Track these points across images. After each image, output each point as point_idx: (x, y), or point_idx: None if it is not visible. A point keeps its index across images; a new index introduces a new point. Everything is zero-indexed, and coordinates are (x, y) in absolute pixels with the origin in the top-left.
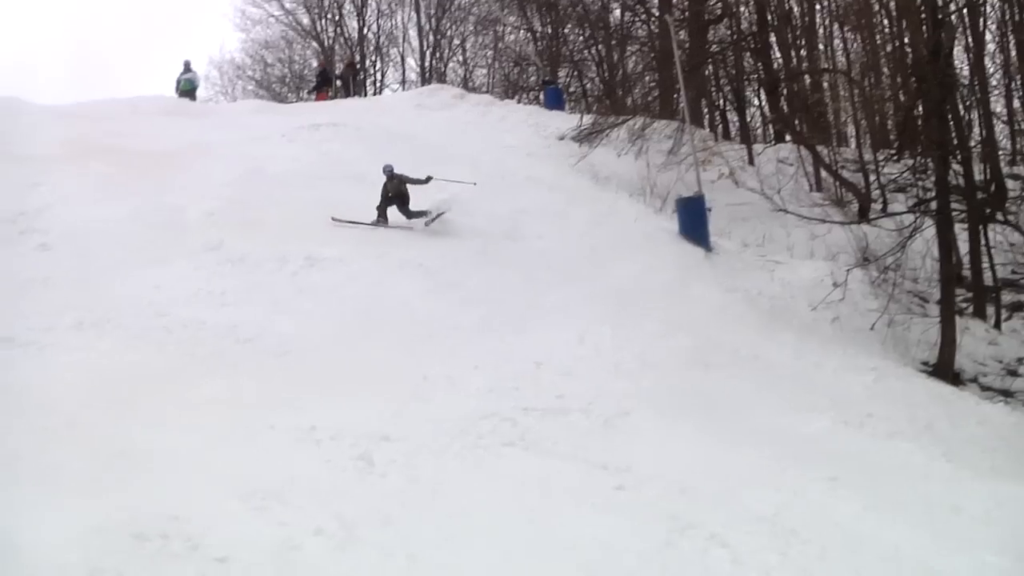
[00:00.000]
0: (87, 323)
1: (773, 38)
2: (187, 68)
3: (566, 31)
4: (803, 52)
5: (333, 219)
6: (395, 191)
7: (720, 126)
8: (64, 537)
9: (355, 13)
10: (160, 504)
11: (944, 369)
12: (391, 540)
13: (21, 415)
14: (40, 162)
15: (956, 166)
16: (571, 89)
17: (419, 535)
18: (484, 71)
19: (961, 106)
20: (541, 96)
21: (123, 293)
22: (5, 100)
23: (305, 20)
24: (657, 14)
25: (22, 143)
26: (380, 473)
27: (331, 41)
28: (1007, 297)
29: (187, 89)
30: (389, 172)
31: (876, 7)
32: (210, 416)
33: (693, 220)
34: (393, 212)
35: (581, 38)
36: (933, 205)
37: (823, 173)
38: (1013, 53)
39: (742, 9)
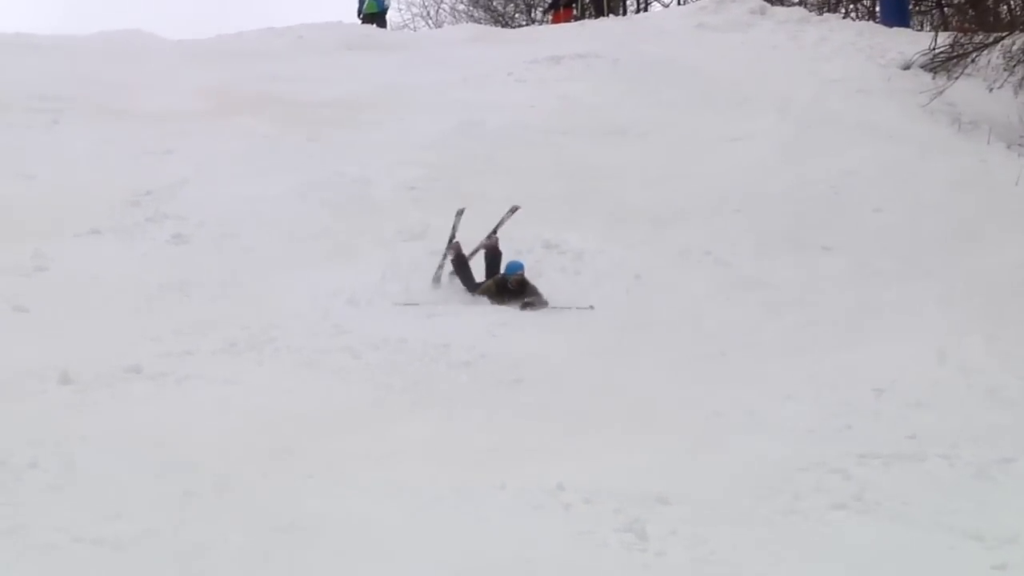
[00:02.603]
0: (241, 345)
1: None
2: None
3: None
4: None
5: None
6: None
7: None
8: None
9: None
10: None
11: None
12: None
13: (151, 475)
14: (173, 120)
15: None
16: None
17: None
18: None
19: None
20: (876, 6)
21: (289, 302)
22: (127, 35)
23: None
24: None
25: (149, 94)
26: (656, 551)
27: None
28: None
29: (373, 11)
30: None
31: None
32: (413, 472)
33: None
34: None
35: None
36: None
37: None
38: None
39: None
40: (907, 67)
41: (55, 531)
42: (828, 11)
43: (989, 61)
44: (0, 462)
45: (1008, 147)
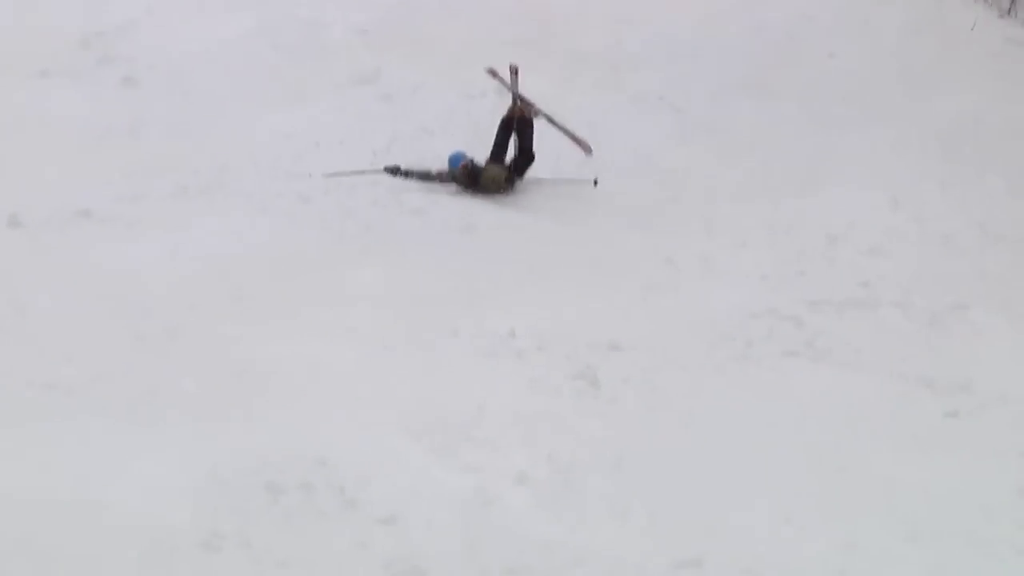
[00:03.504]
0: (192, 190)
1: None
2: None
3: None
4: None
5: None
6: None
7: None
8: (169, 489)
9: None
10: (300, 444)
11: None
12: (622, 490)
13: (102, 320)
14: None
15: None
16: None
17: (663, 483)
18: None
19: None
20: None
21: (241, 147)
22: None
23: None
24: None
25: None
26: (608, 397)
27: None
28: None
29: None
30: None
31: None
32: (366, 318)
33: None
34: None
35: None
36: None
37: None
38: None
39: None
40: None
41: (6, 375)
42: None
43: None
44: None
45: None
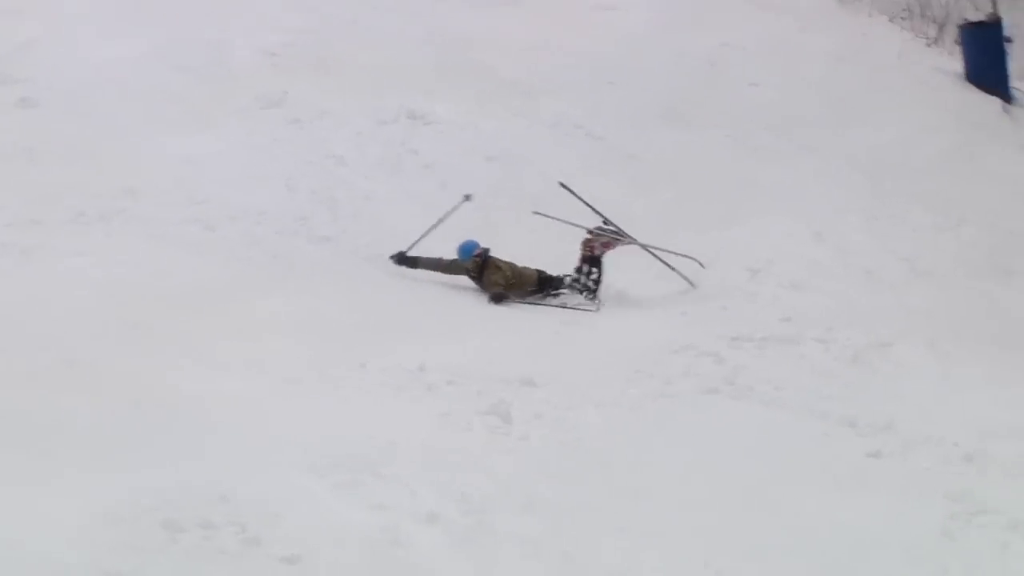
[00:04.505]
0: (91, 215)
1: None
2: None
3: None
4: None
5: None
6: None
7: None
8: (64, 528)
9: None
10: (201, 480)
11: None
12: (536, 530)
13: None
14: None
15: None
16: None
17: (578, 523)
18: None
19: None
20: None
21: (143, 171)
22: None
23: None
24: None
25: None
26: (520, 434)
27: None
28: None
29: None
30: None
31: None
32: (272, 352)
33: (986, 56)
34: None
35: None
36: None
37: None
38: None
39: None
40: None
41: None
42: None
43: None
44: None
45: (890, 20)
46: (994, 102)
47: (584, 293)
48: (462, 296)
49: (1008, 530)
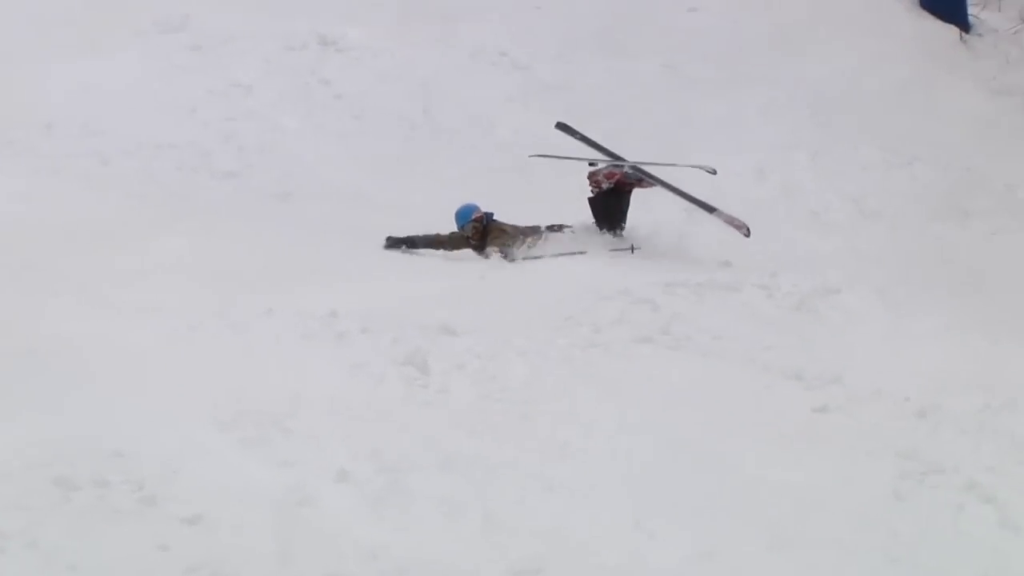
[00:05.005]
0: None
1: None
2: None
3: None
4: None
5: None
6: None
7: None
8: None
9: None
10: (94, 435)
11: None
12: (456, 490)
13: None
14: None
15: None
16: None
17: (501, 482)
18: None
19: None
20: None
21: (31, 99)
22: None
23: None
24: None
25: None
26: (439, 386)
27: None
28: None
29: None
30: None
31: None
32: (171, 296)
33: None
34: None
35: None
36: None
37: None
38: None
39: None
40: None
41: None
42: None
43: None
44: None
45: None
46: (951, 31)
47: (607, 231)
48: (373, 236)
49: (962, 491)
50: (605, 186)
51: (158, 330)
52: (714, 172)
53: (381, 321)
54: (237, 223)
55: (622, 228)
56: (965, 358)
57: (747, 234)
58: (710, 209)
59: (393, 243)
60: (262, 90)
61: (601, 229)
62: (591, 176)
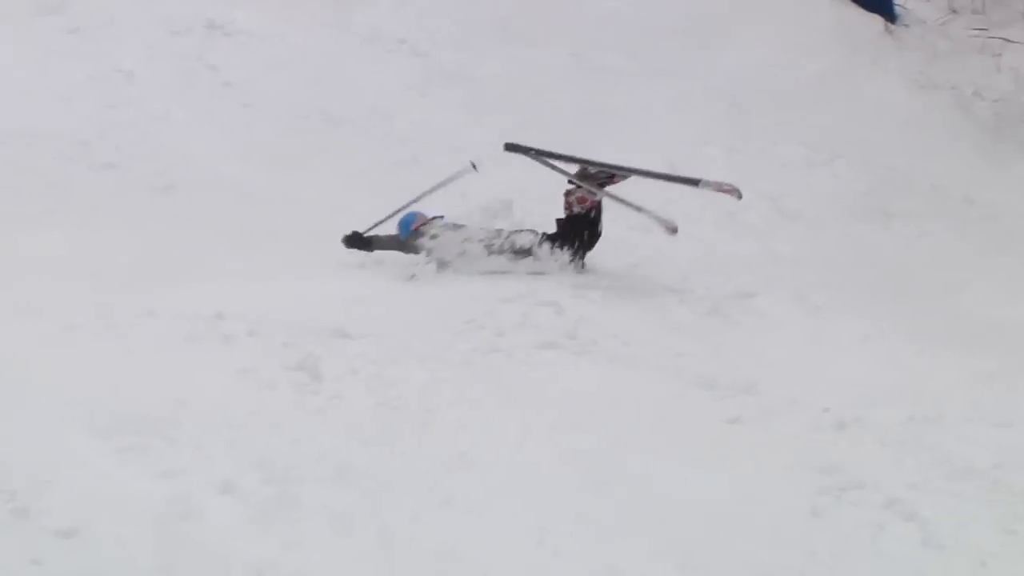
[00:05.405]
0: None
1: None
2: None
3: None
4: None
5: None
6: None
7: None
8: None
9: None
10: None
11: None
12: (349, 503)
13: None
14: None
15: None
16: None
17: (397, 496)
18: None
19: None
20: None
21: None
22: None
23: None
24: None
25: None
26: (331, 393)
27: None
28: None
29: None
30: None
31: None
32: (46, 295)
33: None
34: None
35: None
36: None
37: None
38: None
39: None
40: None
41: None
42: None
43: None
44: None
45: None
46: (876, 21)
47: (568, 258)
48: (266, 233)
49: (883, 508)
50: (576, 210)
51: (31, 331)
52: (675, 231)
53: (270, 323)
54: (117, 217)
55: (582, 259)
56: (887, 367)
57: (739, 197)
58: (694, 183)
59: (353, 240)
60: (145, 76)
61: (562, 249)
62: (566, 195)
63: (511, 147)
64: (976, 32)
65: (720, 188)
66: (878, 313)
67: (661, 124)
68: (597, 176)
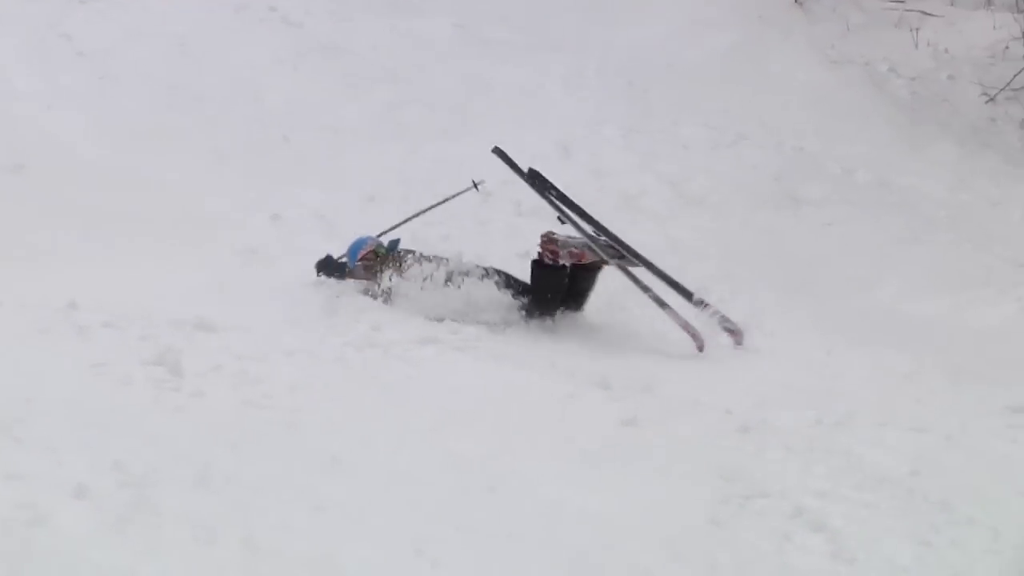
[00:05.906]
0: None
1: None
2: None
3: None
4: None
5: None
6: None
7: None
8: None
9: None
10: None
11: None
12: (212, 509)
13: None
14: None
15: None
16: None
17: (264, 501)
18: None
19: None
20: None
21: None
22: None
23: None
24: None
25: None
26: (193, 390)
27: None
28: None
29: None
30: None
31: None
32: None
33: None
34: None
35: None
36: None
37: None
38: None
39: None
40: None
41: None
42: None
43: None
44: None
45: None
46: None
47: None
48: (123, 217)
49: (790, 518)
50: (562, 263)
51: None
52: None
53: (128, 314)
54: None
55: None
56: (795, 367)
57: (700, 349)
58: (689, 295)
59: (324, 265)
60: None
61: (518, 293)
62: (548, 239)
63: (533, 176)
64: (892, 4)
65: (687, 328)
66: (785, 308)
67: (554, 102)
68: (606, 250)
